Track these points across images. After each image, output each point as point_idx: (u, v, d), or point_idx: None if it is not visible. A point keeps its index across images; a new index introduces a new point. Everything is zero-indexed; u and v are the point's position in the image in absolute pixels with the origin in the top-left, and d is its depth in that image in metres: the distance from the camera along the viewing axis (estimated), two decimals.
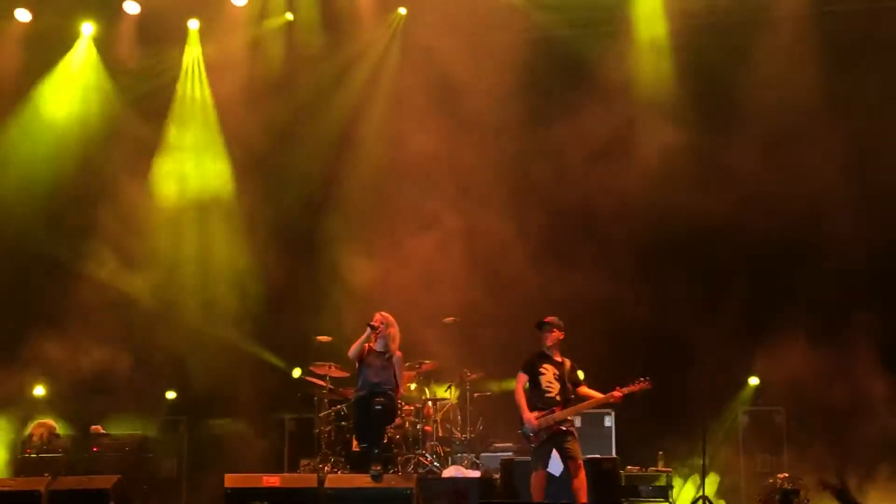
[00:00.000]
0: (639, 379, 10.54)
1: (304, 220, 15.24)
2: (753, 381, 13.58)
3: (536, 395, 10.54)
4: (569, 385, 10.55)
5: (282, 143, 15.27)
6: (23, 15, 15.03)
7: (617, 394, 10.47)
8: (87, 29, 15.39)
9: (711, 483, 12.31)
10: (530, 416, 10.42)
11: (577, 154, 14.12)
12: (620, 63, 14.39)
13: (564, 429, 10.46)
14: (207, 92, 15.45)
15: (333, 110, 15.36)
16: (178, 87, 15.53)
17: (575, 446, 10.50)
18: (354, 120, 15.27)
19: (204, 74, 15.46)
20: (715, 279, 14.03)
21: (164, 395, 14.93)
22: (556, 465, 11.81)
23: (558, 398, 10.47)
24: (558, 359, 10.69)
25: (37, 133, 15.25)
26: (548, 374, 10.56)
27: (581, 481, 10.43)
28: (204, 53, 15.54)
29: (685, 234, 14.06)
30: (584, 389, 10.71)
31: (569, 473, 10.43)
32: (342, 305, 14.19)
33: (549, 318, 10.70)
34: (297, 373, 14.57)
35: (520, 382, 10.61)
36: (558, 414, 10.42)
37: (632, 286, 13.93)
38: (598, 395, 10.60)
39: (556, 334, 10.68)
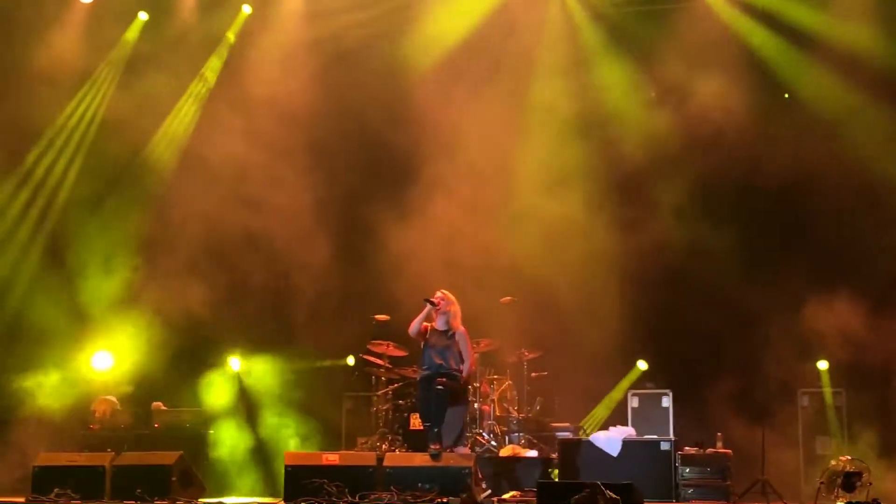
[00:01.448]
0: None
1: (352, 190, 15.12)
2: (822, 365, 13.37)
3: None
4: None
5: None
6: None
7: None
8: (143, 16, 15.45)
9: None
10: None
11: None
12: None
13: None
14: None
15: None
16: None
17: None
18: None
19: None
20: (776, 248, 13.92)
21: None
22: (613, 446, 11.86)
23: None
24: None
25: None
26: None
27: None
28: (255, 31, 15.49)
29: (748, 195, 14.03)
30: None
31: None
32: (397, 283, 14.16)
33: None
34: (350, 360, 14.61)
35: None
36: None
37: (688, 248, 13.90)
38: None
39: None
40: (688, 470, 11.87)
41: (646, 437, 12.34)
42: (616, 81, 14.59)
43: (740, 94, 13.68)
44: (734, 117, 13.65)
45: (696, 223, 13.94)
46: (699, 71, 13.83)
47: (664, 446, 11.87)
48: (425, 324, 11.60)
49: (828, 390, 13.11)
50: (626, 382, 13.74)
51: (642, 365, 13.94)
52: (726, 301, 13.62)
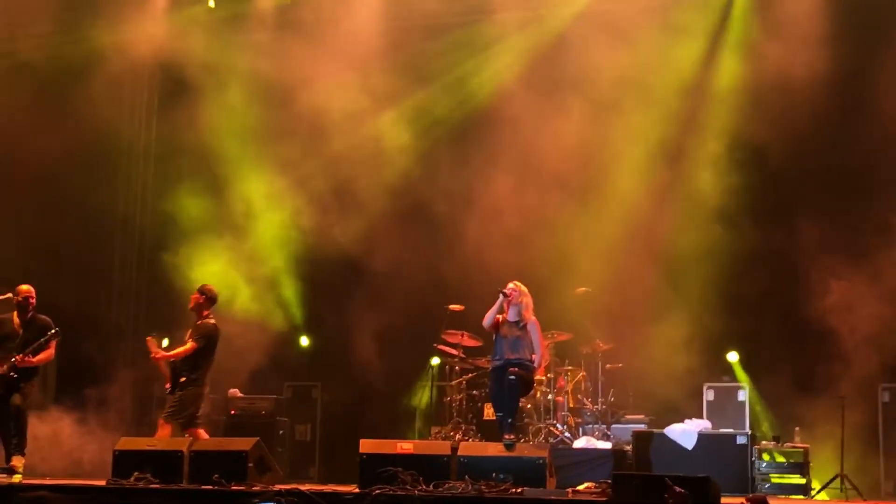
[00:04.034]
0: None
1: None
2: None
3: None
4: None
5: None
6: None
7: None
8: None
9: None
10: None
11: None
12: None
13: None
14: None
15: None
16: None
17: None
18: None
19: None
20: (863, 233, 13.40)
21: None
22: (688, 439, 11.75)
23: None
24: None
25: None
26: None
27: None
28: None
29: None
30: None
31: None
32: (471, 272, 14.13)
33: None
34: (434, 361, 14.57)
35: None
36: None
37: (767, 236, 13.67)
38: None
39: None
40: (765, 464, 11.74)
41: (721, 430, 12.21)
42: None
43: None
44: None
45: (784, 207, 13.79)
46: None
47: (740, 440, 11.75)
48: (498, 316, 11.58)
49: (887, 384, 12.77)
50: (741, 375, 13.44)
51: (732, 356, 13.68)
52: (807, 292, 13.31)
